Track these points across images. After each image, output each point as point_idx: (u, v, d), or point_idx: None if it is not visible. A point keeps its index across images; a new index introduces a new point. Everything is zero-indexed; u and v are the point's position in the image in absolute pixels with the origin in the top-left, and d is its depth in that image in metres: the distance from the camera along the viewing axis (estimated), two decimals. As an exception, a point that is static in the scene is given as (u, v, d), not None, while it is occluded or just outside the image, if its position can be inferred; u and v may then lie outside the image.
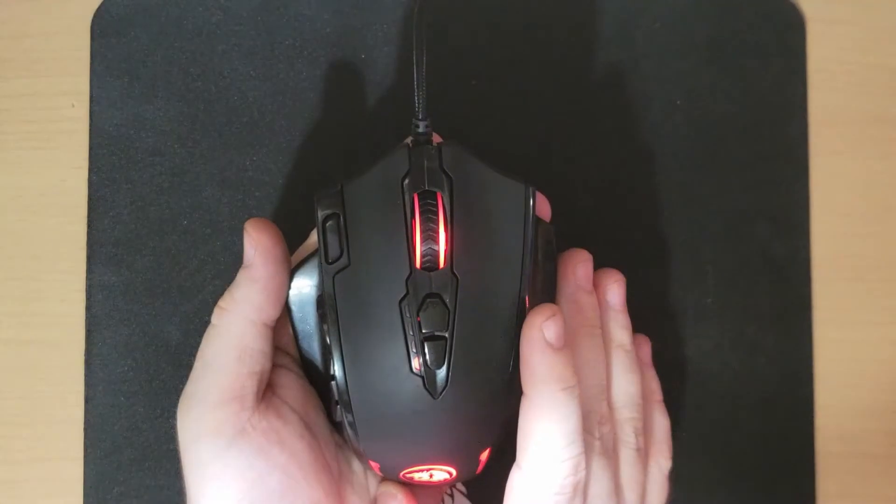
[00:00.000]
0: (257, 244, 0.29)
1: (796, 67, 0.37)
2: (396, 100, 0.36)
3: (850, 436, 0.37)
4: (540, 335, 0.27)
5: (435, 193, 0.28)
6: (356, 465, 0.32)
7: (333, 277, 0.28)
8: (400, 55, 0.36)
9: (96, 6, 0.36)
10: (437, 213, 0.28)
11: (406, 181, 0.28)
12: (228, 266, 0.36)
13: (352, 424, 0.28)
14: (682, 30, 0.37)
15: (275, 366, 0.31)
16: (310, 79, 0.36)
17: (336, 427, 0.32)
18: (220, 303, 0.30)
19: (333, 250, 0.28)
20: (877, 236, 0.37)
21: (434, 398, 0.27)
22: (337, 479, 0.31)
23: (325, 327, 0.29)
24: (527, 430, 0.28)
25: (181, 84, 0.36)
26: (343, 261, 0.28)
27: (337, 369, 0.28)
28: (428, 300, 0.27)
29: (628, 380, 0.32)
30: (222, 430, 0.28)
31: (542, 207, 0.31)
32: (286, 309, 0.31)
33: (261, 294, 0.29)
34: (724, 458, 0.36)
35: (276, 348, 0.31)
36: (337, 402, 0.29)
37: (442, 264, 0.27)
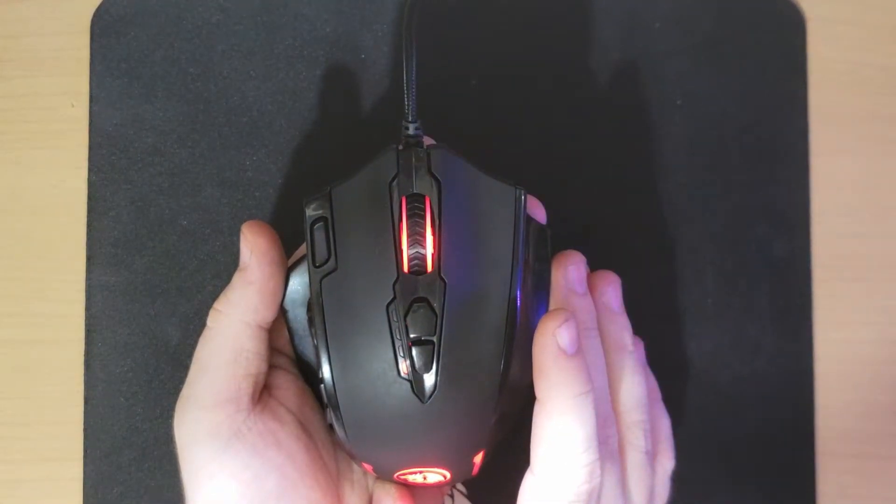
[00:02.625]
0: (253, 246, 0.29)
1: (796, 67, 0.37)
2: (396, 100, 0.36)
3: (850, 436, 0.37)
4: (553, 341, 0.27)
5: (423, 197, 0.28)
6: (354, 466, 0.32)
7: (321, 281, 0.28)
8: (400, 55, 0.36)
9: (96, 6, 0.36)
10: (424, 217, 0.27)
11: (394, 184, 0.28)
12: (228, 266, 0.36)
13: (342, 428, 0.28)
14: (682, 30, 0.37)
15: (271, 367, 0.31)
16: (309, 79, 0.36)
17: (331, 429, 0.32)
18: (216, 305, 0.30)
19: (321, 254, 0.28)
20: (877, 236, 0.37)
21: (423, 403, 0.27)
22: (335, 479, 0.31)
23: (314, 330, 0.28)
24: (541, 437, 0.28)
25: (181, 84, 0.36)
26: (331, 264, 0.28)
27: (325, 373, 0.28)
28: (415, 304, 0.27)
29: (634, 381, 0.32)
30: (218, 432, 0.28)
31: (536, 210, 0.31)
32: (281, 310, 0.31)
33: (256, 296, 0.29)
34: (724, 458, 0.36)
35: (273, 349, 0.31)
36: (326, 406, 0.29)
37: (430, 268, 0.27)
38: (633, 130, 0.37)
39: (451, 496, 0.35)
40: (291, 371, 0.31)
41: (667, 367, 0.35)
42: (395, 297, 0.27)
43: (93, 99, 0.36)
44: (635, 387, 0.32)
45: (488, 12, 0.37)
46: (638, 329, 0.33)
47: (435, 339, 0.27)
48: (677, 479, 0.34)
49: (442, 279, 0.27)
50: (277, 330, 0.31)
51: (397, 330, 0.27)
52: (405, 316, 0.27)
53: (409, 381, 0.27)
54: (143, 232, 0.36)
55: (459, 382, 0.27)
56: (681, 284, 0.37)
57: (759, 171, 0.37)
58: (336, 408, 0.28)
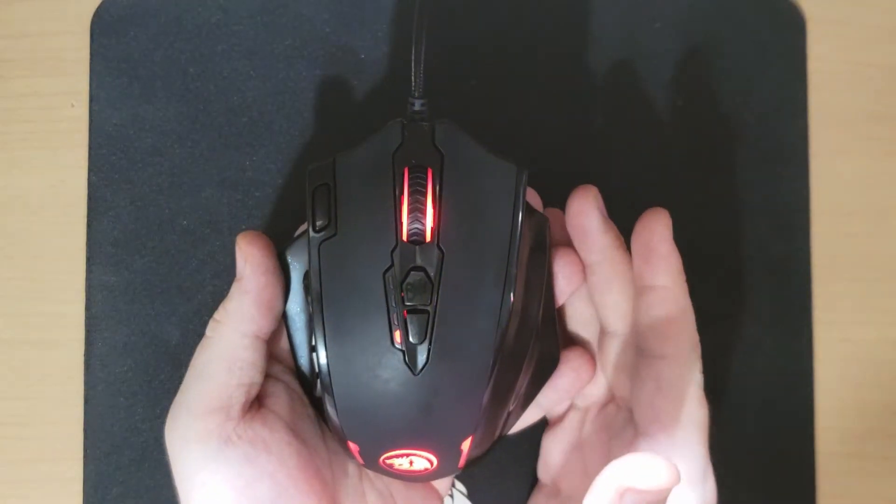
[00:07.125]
0: (248, 256, 0.30)
1: (796, 67, 0.37)
2: (396, 100, 0.36)
3: (850, 436, 0.37)
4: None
5: (425, 168, 0.28)
6: (351, 471, 0.32)
7: (319, 246, 0.28)
8: (400, 55, 0.36)
9: (96, 6, 0.36)
10: (426, 188, 0.28)
11: (397, 155, 0.28)
12: (228, 266, 0.36)
13: (331, 399, 0.28)
14: (682, 30, 0.37)
15: (265, 375, 0.31)
16: (310, 79, 0.36)
17: (323, 418, 0.31)
18: (215, 315, 0.30)
19: (321, 219, 0.28)
20: (877, 236, 0.37)
21: (414, 374, 0.27)
22: (330, 486, 0.31)
23: (310, 298, 0.28)
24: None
25: (181, 84, 0.36)
26: (330, 230, 0.28)
27: (318, 340, 0.28)
28: (412, 273, 0.27)
29: None
30: (209, 439, 0.28)
31: (532, 200, 0.31)
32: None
33: (252, 306, 0.29)
34: (724, 458, 0.36)
35: (269, 357, 0.31)
36: (318, 375, 0.29)
37: (428, 238, 0.27)
38: (633, 131, 0.37)
39: (451, 496, 0.35)
40: (284, 379, 0.31)
41: (667, 367, 0.35)
42: (392, 265, 0.27)
43: (93, 99, 0.36)
44: None
45: (488, 12, 0.37)
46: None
47: (430, 308, 0.27)
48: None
49: (440, 249, 0.27)
50: (274, 338, 0.31)
51: (393, 297, 0.27)
52: (401, 284, 0.27)
53: (402, 350, 0.27)
54: (143, 232, 0.36)
55: (452, 355, 0.27)
56: (681, 284, 0.36)
57: (759, 171, 0.37)
58: (328, 377, 0.28)
